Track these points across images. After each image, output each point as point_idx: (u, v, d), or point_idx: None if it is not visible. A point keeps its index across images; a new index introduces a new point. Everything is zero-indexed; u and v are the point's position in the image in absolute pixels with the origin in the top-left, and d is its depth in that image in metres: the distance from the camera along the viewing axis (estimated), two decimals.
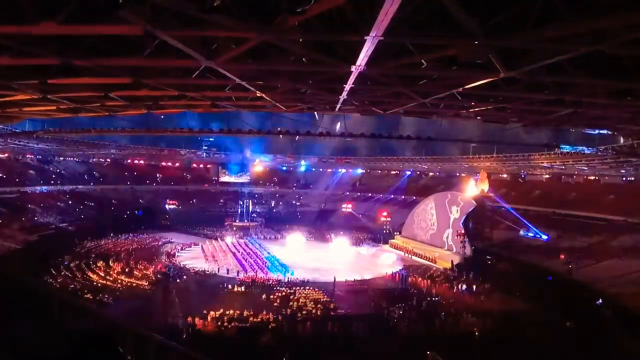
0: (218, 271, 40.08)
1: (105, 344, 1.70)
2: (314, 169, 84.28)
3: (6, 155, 59.29)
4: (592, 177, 52.04)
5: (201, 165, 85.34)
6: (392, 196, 73.05)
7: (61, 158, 67.34)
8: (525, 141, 44.00)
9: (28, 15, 7.24)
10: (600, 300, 29.18)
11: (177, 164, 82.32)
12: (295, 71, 12.05)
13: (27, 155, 62.51)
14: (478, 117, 19.66)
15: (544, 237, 44.70)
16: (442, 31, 8.11)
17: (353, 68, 9.98)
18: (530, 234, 45.81)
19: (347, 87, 12.40)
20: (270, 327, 24.56)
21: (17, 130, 41.50)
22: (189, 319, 24.81)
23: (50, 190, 61.31)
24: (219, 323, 24.85)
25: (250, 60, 10.59)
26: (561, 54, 8.78)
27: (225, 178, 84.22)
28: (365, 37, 7.69)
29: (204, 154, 74.41)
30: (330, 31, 8.29)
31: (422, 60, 10.15)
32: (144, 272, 37.73)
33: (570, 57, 9.05)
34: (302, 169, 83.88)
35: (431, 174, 73.55)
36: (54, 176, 64.88)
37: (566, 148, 33.16)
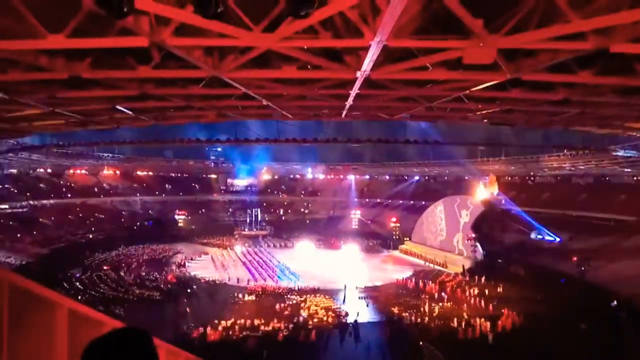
0: (228, 280, 40.09)
1: (140, 338, 1.67)
2: (321, 176, 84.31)
3: (16, 170, 59.89)
4: (603, 177, 51.54)
5: (210, 175, 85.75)
6: (401, 201, 72.80)
7: (71, 171, 67.85)
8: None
9: (36, 30, 7.35)
10: (615, 302, 28.78)
11: (186, 175, 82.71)
12: (300, 78, 12.09)
13: (39, 169, 63.15)
14: (485, 120, 19.59)
15: (556, 239, 44.29)
16: (447, 33, 8.12)
17: (358, 73, 9.99)
18: (542, 237, 45.40)
19: (353, 93, 12.41)
20: (281, 335, 24.54)
21: (27, 144, 41.99)
22: (200, 328, 24.81)
23: (61, 203, 61.76)
24: (230, 332, 24.84)
25: (256, 69, 10.65)
26: (566, 54, 8.75)
27: (235, 181, 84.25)
28: (370, 42, 7.70)
29: (212, 163, 74.79)
30: (335, 37, 8.32)
31: (427, 64, 10.14)
32: (155, 283, 37.83)
33: (576, 57, 9.01)
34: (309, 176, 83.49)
35: (439, 178, 73.28)
36: (64, 189, 65.40)
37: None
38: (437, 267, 47.91)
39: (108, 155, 60.18)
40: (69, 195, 64.57)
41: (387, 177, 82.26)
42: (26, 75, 10.34)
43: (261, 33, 7.67)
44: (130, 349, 1.61)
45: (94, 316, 2.97)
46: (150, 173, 78.57)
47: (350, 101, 14.06)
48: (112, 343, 1.61)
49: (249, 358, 21.09)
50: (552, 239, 44.72)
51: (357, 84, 11.19)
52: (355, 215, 72.86)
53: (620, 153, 32.21)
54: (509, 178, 60.99)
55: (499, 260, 43.43)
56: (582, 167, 45.71)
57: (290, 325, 26.19)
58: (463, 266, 44.14)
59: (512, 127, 23.74)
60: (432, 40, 8.41)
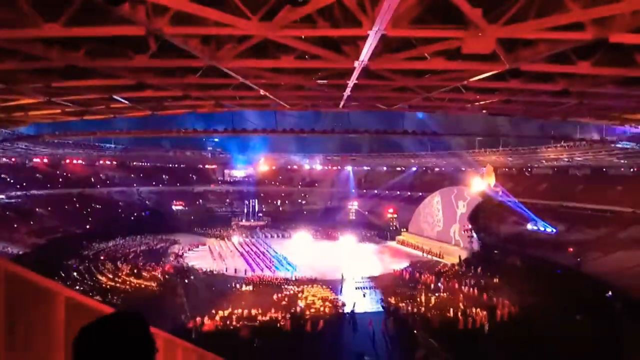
0: (226, 271, 40.18)
1: (135, 322, 1.59)
2: (319, 167, 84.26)
3: (13, 160, 59.58)
4: (600, 169, 51.57)
5: (207, 166, 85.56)
6: (398, 192, 72.86)
7: (67, 161, 67.51)
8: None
9: (32, 19, 7.27)
10: (610, 293, 28.96)
11: (184, 166, 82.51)
12: (298, 68, 12.02)
13: (34, 159, 62.85)
14: (483, 111, 19.56)
15: (553, 230, 44.44)
16: (446, 23, 8.06)
17: (356, 63, 9.92)
18: (538, 228, 45.56)
19: (351, 83, 12.35)
20: (278, 325, 24.65)
21: (23, 134, 41.70)
22: (198, 318, 24.89)
23: (58, 193, 61.57)
24: (227, 322, 24.93)
25: (253, 58, 10.58)
26: (565, 44, 8.71)
27: (233, 172, 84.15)
28: (368, 32, 7.63)
29: (209, 154, 74.66)
30: (333, 26, 8.25)
31: (426, 54, 10.08)
32: (152, 273, 37.88)
33: (575, 47, 8.97)
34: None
35: (437, 169, 73.23)
36: (61, 180, 65.16)
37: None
38: (433, 257, 48.11)
39: (105, 146, 59.87)
40: (66, 185, 64.35)
41: (385, 168, 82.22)
42: (22, 64, 10.24)
43: (259, 22, 7.60)
44: (126, 333, 1.53)
45: (91, 305, 2.96)
46: (148, 164, 78.29)
47: (348, 91, 13.99)
48: (107, 327, 1.53)
49: (243, 347, 21.22)
50: (549, 230, 44.88)
51: (355, 74, 11.12)
52: (353, 206, 72.96)
53: (619, 145, 32.24)
54: (506, 169, 61.04)
55: (495, 251, 43.62)
56: (579, 159, 45.73)
57: (288, 316, 26.29)
58: (459, 257, 44.30)
59: (511, 117, 23.71)
60: (431, 29, 8.35)
